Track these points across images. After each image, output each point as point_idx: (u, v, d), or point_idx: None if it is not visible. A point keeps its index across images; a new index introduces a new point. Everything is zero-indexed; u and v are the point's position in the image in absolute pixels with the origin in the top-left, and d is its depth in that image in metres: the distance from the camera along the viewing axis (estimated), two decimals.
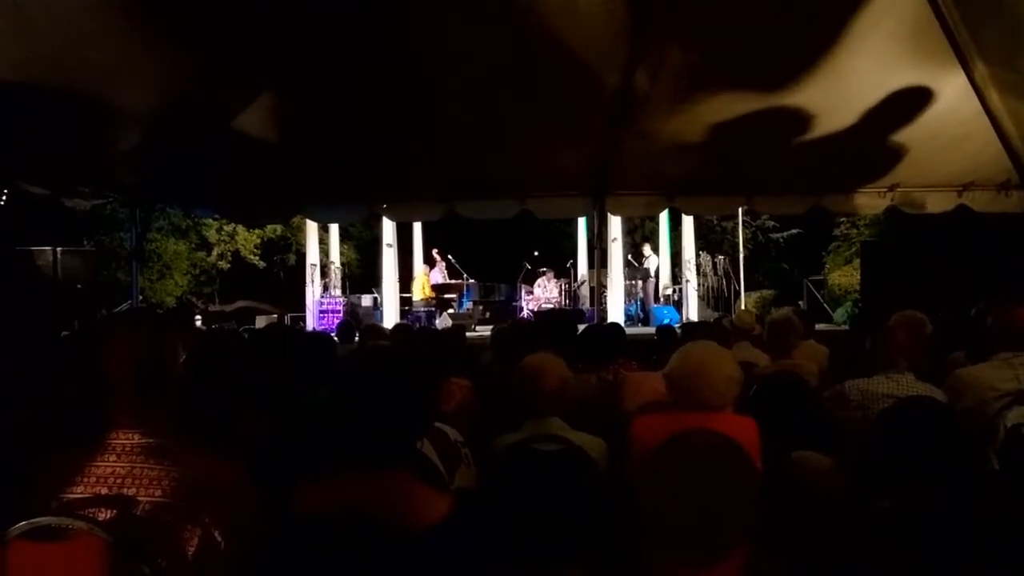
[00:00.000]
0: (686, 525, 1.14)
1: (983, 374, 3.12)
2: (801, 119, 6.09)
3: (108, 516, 1.53)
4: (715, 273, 14.59)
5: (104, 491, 1.56)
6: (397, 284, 13.66)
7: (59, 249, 8.78)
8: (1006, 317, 3.25)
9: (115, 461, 1.60)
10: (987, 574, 1.46)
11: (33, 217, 8.90)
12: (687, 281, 13.32)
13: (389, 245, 13.43)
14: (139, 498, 1.55)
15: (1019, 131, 6.07)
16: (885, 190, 7.12)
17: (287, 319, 13.36)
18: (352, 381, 1.58)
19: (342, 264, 15.56)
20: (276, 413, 2.62)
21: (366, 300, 14.08)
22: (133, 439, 1.63)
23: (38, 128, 5.07)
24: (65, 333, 3.58)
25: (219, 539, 1.55)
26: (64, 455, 1.64)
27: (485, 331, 8.81)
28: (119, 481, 1.57)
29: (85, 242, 12.33)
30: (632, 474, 2.22)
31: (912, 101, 5.83)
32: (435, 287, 12.93)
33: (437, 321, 11.62)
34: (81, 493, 1.57)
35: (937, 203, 7.15)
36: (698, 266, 14.05)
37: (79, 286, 8.87)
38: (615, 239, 12.24)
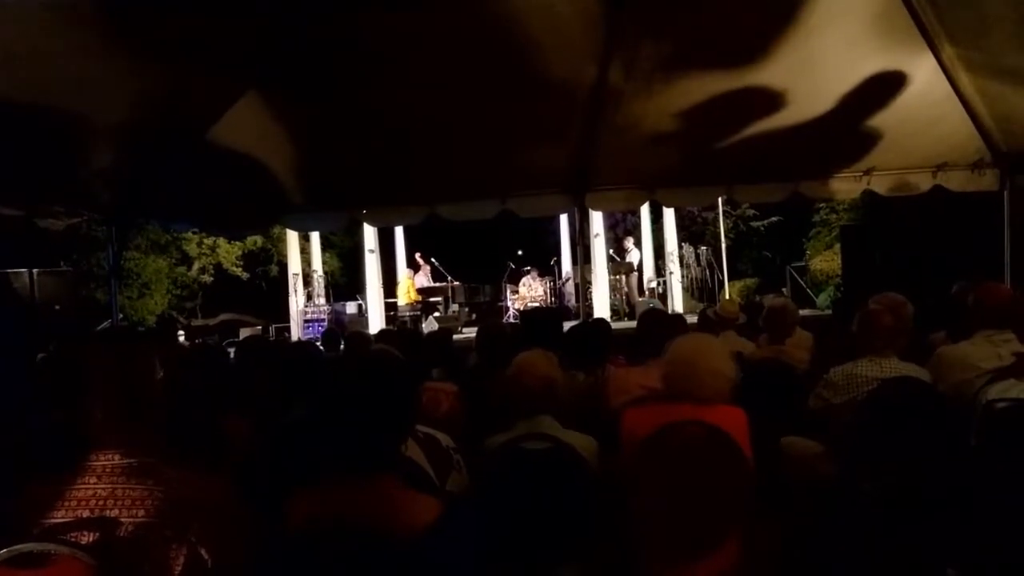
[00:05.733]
0: (676, 517, 1.13)
1: (966, 352, 3.15)
2: (776, 107, 6.12)
3: (91, 539, 1.51)
4: (698, 264, 14.69)
5: (86, 514, 1.54)
6: (381, 290, 13.62)
7: (35, 271, 8.67)
8: (987, 296, 3.30)
9: (96, 483, 1.57)
10: (967, 547, 1.47)
11: (7, 239, 8.76)
12: (671, 273, 13.40)
13: (371, 251, 13.38)
14: (122, 519, 1.52)
15: (989, 110, 6.14)
16: (861, 174, 7.16)
17: (272, 330, 13.28)
18: (333, 389, 1.57)
19: (325, 273, 15.48)
20: (261, 424, 2.59)
21: (351, 307, 14.02)
22: (114, 460, 1.60)
23: (8, 147, 4.98)
24: (42, 355, 3.53)
25: (206, 556, 1.53)
26: (44, 479, 1.61)
27: (472, 333, 8.78)
28: (101, 503, 1.55)
29: (62, 263, 12.15)
30: (623, 466, 2.22)
31: (885, 85, 5.88)
32: (420, 291, 12.90)
33: (423, 325, 11.59)
34: (63, 517, 1.54)
35: (913, 185, 7.21)
36: (681, 258, 14.13)
37: (57, 307, 8.75)
38: (597, 235, 12.27)
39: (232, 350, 5.90)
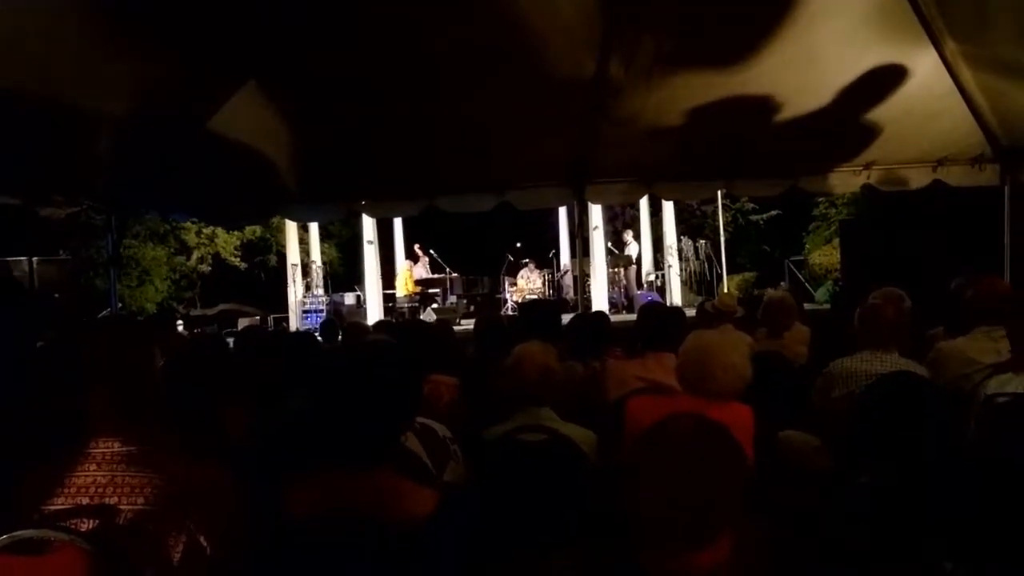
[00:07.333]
0: (670, 508, 1.13)
1: (964, 347, 3.16)
2: (776, 101, 6.10)
3: (90, 526, 1.51)
4: (697, 257, 14.67)
5: (85, 501, 1.54)
6: (380, 281, 13.61)
7: (35, 259, 8.67)
8: (985, 291, 3.30)
9: (95, 470, 1.57)
10: (965, 541, 1.48)
11: (7, 227, 8.75)
12: (669, 266, 13.40)
13: (370, 242, 13.37)
14: (121, 507, 1.53)
15: (991, 105, 6.12)
16: (861, 168, 7.15)
17: (270, 320, 13.27)
18: (332, 380, 1.57)
19: (324, 263, 15.46)
20: (260, 413, 2.60)
21: (349, 298, 14.01)
22: (113, 447, 1.60)
23: (8, 136, 4.97)
24: (41, 343, 3.52)
25: (205, 544, 1.53)
26: (43, 466, 1.62)
27: (470, 324, 8.79)
28: (100, 490, 1.55)
29: (61, 251, 12.14)
30: (624, 454, 2.22)
31: (885, 79, 5.86)
32: (418, 282, 12.90)
33: (421, 316, 11.60)
34: (62, 504, 1.55)
35: (913, 179, 7.19)
36: (680, 251, 14.12)
37: (56, 295, 8.76)
38: (596, 227, 12.26)
39: (231, 340, 5.89)
